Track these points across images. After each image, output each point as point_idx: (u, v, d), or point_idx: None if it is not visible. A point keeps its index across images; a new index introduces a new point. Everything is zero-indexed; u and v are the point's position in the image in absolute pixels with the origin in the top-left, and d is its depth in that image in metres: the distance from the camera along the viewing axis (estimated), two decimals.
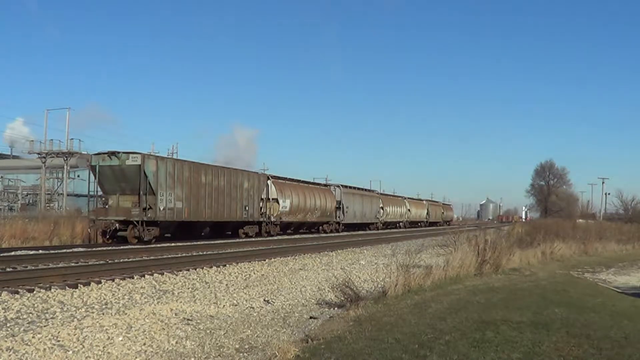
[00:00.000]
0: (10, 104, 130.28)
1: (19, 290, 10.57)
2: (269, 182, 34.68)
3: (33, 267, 13.64)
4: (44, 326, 7.89)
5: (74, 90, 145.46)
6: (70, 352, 6.71)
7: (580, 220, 51.67)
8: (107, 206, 24.03)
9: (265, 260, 18.69)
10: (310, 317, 9.45)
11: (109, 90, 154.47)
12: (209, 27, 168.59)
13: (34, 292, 10.62)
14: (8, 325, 7.97)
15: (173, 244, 22.49)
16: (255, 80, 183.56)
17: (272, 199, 34.64)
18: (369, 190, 59.61)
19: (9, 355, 6.43)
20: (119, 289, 11.48)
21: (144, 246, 21.36)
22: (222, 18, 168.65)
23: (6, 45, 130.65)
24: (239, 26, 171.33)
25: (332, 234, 40.71)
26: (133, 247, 20.92)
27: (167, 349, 7.13)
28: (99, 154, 24.39)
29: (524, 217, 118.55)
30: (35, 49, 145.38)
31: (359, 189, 53.40)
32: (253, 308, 10.16)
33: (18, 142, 62.26)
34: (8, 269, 13.05)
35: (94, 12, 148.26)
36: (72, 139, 45.40)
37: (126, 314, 8.96)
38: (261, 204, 33.09)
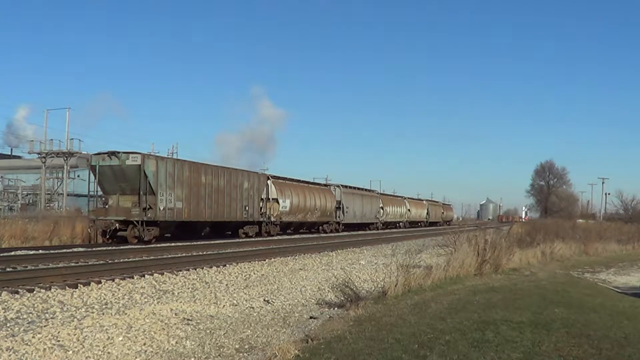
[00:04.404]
0: (9, 104, 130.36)
1: (19, 290, 10.56)
2: (269, 182, 34.68)
3: (33, 267, 13.63)
4: (44, 326, 7.88)
5: (74, 90, 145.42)
6: (70, 352, 6.71)
7: (580, 220, 51.72)
8: (107, 206, 24.03)
9: (265, 260, 18.69)
10: (310, 317, 9.45)
11: (110, 90, 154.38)
12: (208, 27, 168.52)
13: (34, 292, 10.61)
14: (8, 325, 7.97)
15: (173, 244, 22.49)
16: (253, 79, 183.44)
17: (272, 199, 34.64)
18: (369, 190, 59.58)
19: (9, 355, 6.43)
20: (119, 289, 11.48)
21: (144, 246, 21.36)
22: (221, 19, 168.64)
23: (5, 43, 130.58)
24: (239, 25, 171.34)
25: (332, 234, 40.69)
26: (133, 247, 20.92)
27: (167, 349, 7.13)
28: (98, 154, 24.40)
29: (523, 217, 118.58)
30: (33, 48, 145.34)
31: (359, 189, 53.39)
32: (253, 308, 10.16)
33: (20, 142, 62.38)
34: (8, 269, 13.04)
35: (91, 12, 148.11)
36: (72, 139, 45.47)
37: (126, 314, 8.95)
38: (261, 203, 33.08)
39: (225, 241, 26.32)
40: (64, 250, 18.44)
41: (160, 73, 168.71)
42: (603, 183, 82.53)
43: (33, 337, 7.19)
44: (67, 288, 11.13)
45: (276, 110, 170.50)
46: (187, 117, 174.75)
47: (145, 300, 10.46)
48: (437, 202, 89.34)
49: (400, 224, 64.78)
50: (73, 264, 14.62)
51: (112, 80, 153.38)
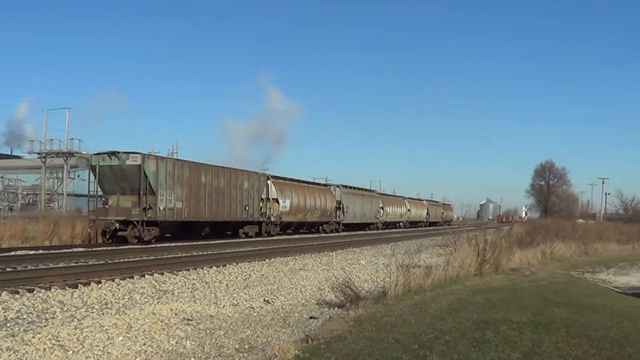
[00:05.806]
0: (9, 104, 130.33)
1: (19, 290, 10.56)
2: (269, 182, 34.68)
3: (33, 267, 13.63)
4: (44, 326, 7.88)
5: (74, 89, 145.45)
6: (70, 352, 6.71)
7: (580, 220, 51.69)
8: (107, 206, 24.03)
9: (265, 260, 18.68)
10: (310, 317, 9.45)
11: (111, 87, 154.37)
12: (210, 25, 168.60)
13: (34, 292, 10.61)
14: (8, 325, 7.97)
15: (173, 244, 22.48)
16: (252, 78, 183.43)
17: (272, 199, 34.63)
18: (369, 190, 59.60)
19: (9, 355, 6.43)
20: (119, 289, 11.48)
21: (144, 246, 21.36)
22: (220, 19, 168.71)
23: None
24: (237, 25, 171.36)
25: (332, 234, 40.68)
26: (133, 247, 20.91)
27: (167, 349, 7.13)
28: (98, 154, 24.40)
29: (523, 217, 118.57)
30: (33, 48, 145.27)
31: (359, 189, 53.40)
32: (253, 308, 10.16)
33: (20, 142, 62.41)
34: (8, 269, 13.03)
35: (91, 12, 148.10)
36: (72, 139, 45.42)
37: (126, 314, 8.95)
38: (261, 204, 33.08)
39: (225, 241, 26.31)
40: (64, 250, 18.44)
41: (161, 71, 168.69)
42: (603, 183, 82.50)
43: (33, 337, 7.19)
44: (67, 288, 11.12)
45: (284, 101, 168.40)
46: (190, 114, 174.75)
47: (145, 300, 10.45)
48: (437, 202, 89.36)
49: (400, 224, 64.77)
50: (73, 264, 14.61)
51: (113, 78, 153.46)
